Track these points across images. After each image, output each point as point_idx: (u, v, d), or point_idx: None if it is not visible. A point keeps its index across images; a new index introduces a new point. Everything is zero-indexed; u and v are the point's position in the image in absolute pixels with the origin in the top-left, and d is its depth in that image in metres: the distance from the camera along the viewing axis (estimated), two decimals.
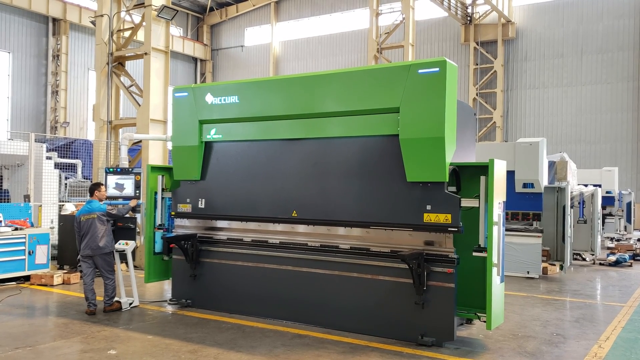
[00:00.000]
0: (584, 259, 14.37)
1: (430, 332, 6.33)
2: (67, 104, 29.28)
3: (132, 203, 8.34)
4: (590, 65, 27.57)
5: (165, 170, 8.74)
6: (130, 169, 9.14)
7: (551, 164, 12.68)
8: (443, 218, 6.18)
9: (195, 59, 38.16)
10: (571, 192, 12.46)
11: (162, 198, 8.47)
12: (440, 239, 6.29)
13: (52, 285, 9.70)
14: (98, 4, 13.46)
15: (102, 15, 13.17)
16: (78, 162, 16.16)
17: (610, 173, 19.78)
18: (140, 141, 12.69)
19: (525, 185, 11.35)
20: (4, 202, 11.62)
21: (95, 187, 8.10)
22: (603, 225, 18.20)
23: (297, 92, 7.13)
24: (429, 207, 6.25)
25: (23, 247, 9.96)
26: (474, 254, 6.14)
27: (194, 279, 8.08)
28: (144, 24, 12.77)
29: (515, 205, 11.34)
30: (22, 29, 27.83)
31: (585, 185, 14.83)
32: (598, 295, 10.22)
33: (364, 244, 6.78)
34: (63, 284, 9.89)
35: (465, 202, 6.21)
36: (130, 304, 8.08)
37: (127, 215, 8.22)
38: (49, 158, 13.11)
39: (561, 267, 11.97)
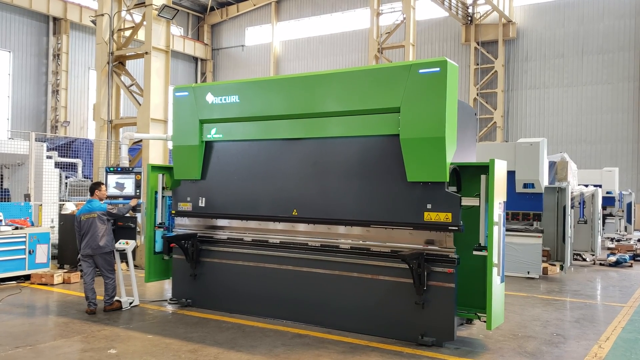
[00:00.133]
0: (584, 260, 14.36)
1: (431, 332, 6.33)
2: (68, 103, 29.29)
3: (133, 202, 8.33)
4: (590, 66, 27.56)
5: (166, 169, 8.75)
6: (130, 169, 9.13)
7: (552, 164, 12.68)
8: (444, 217, 6.19)
9: (195, 59, 38.16)
10: (571, 193, 12.46)
11: (163, 197, 8.48)
12: (441, 238, 6.30)
13: (52, 285, 9.70)
14: (99, 3, 13.46)
15: (102, 15, 13.17)
16: (78, 162, 16.16)
17: (611, 173, 19.78)
18: (140, 140, 12.69)
19: (525, 186, 11.35)
20: (5, 201, 11.61)
21: (95, 187, 8.11)
22: (603, 225, 18.18)
23: (298, 92, 7.13)
24: (429, 206, 6.26)
25: (23, 247, 9.97)
26: (474, 252, 6.14)
27: (194, 279, 8.08)
28: (144, 23, 12.77)
29: (516, 205, 11.35)
30: (22, 28, 27.83)
31: (586, 186, 14.81)
32: (598, 296, 10.22)
33: (364, 243, 6.78)
34: (63, 283, 9.89)
35: (466, 201, 6.22)
36: (131, 303, 8.09)
37: (128, 215, 8.22)
38: (49, 157, 13.12)
39: (561, 268, 11.96)
